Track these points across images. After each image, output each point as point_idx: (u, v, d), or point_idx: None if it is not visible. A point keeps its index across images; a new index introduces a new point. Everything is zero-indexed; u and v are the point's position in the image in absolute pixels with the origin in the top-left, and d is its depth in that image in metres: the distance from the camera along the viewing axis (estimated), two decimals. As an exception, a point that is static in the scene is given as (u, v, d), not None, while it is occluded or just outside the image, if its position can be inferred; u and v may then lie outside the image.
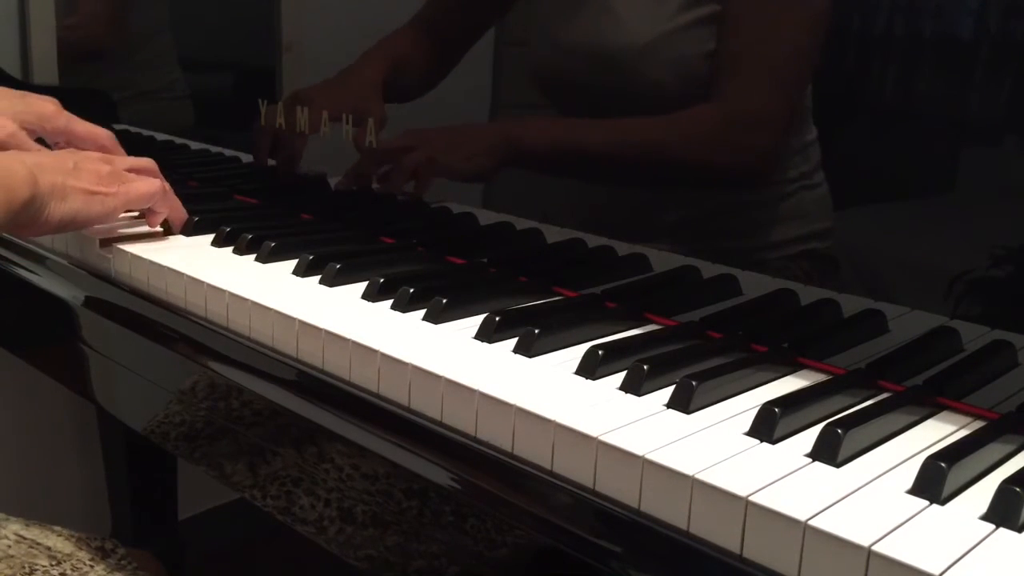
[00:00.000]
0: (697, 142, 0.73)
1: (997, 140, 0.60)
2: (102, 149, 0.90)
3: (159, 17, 1.24)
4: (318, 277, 0.78)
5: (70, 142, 0.90)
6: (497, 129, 0.85)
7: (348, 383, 0.65)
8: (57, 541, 0.82)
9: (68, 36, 1.32)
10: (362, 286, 0.75)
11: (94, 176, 0.80)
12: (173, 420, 0.77)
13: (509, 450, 0.55)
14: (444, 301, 0.70)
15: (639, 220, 0.77)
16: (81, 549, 0.83)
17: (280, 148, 1.01)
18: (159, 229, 0.89)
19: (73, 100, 0.91)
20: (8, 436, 1.49)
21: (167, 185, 0.89)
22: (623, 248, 0.77)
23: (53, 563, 0.79)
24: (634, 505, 0.50)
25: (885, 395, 0.59)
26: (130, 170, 0.85)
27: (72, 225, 0.79)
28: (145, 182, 0.84)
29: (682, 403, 0.56)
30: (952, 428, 0.56)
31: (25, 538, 0.82)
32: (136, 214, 0.89)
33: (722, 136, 0.72)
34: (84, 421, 1.51)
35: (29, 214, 0.75)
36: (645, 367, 0.58)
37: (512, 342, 0.65)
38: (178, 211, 0.90)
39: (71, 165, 0.79)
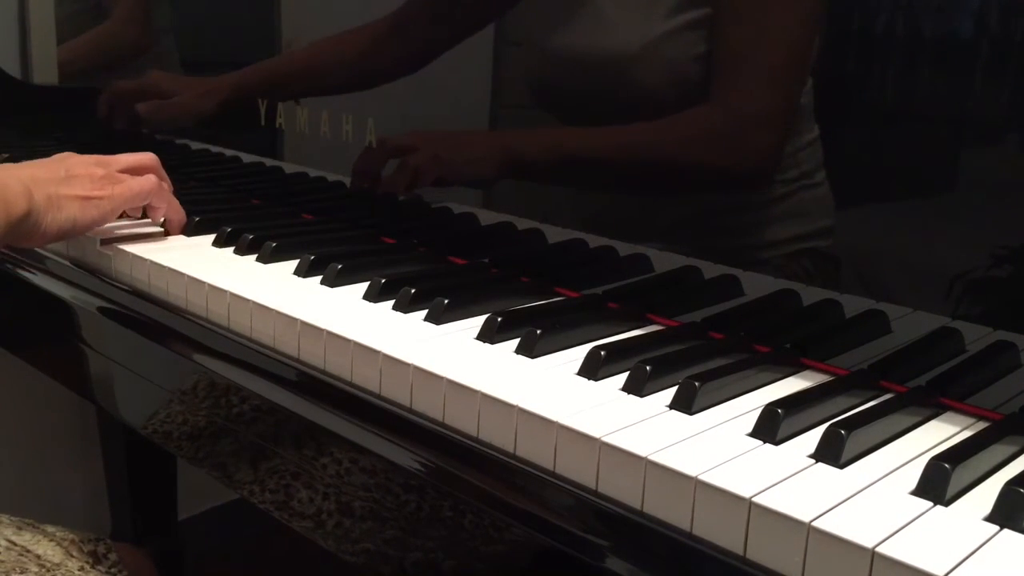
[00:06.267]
0: (696, 144, 0.73)
1: (1000, 139, 0.60)
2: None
3: (168, 16, 1.24)
4: (319, 277, 0.78)
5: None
6: (496, 138, 0.85)
7: (350, 384, 0.64)
8: (48, 548, 0.82)
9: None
10: (363, 286, 0.75)
11: (87, 181, 0.81)
12: (174, 420, 0.77)
13: (511, 451, 0.55)
14: (446, 302, 0.70)
15: (640, 220, 0.77)
16: (72, 557, 0.83)
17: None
18: (159, 229, 0.89)
19: (74, 100, 0.91)
20: (8, 436, 1.49)
21: (167, 184, 0.89)
22: (624, 248, 0.77)
23: (43, 570, 0.79)
24: (637, 506, 0.50)
25: (888, 396, 0.59)
26: (128, 168, 0.85)
27: (71, 232, 0.81)
28: (139, 180, 0.84)
29: (685, 404, 0.56)
30: (955, 429, 0.56)
31: (16, 544, 0.82)
32: (139, 215, 0.89)
33: (720, 137, 0.71)
34: (84, 421, 1.51)
35: (26, 227, 0.76)
36: (647, 368, 0.58)
37: (514, 343, 0.65)
38: (176, 212, 0.90)
39: (63, 173, 0.80)
